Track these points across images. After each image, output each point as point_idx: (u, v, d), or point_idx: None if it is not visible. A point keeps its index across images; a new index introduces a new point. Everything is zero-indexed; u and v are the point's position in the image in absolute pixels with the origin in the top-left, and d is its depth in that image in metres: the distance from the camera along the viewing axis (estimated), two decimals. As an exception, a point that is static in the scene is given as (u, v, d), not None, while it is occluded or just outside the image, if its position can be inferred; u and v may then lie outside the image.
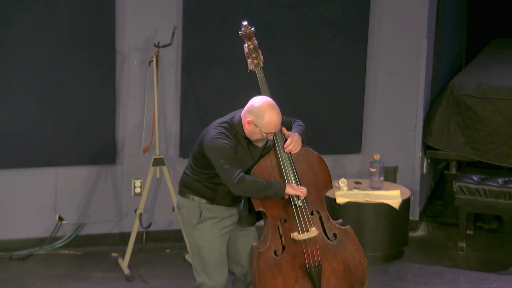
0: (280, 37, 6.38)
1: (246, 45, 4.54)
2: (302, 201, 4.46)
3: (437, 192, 7.59)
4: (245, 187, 4.32)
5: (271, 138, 4.41)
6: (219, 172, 4.34)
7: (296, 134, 4.50)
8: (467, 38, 9.07)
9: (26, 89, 6.02)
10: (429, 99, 7.02)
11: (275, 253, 4.48)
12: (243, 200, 4.54)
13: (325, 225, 4.57)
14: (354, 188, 6.33)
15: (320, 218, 4.56)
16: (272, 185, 4.37)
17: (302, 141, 4.52)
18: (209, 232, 4.50)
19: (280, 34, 6.38)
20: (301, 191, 4.41)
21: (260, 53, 4.54)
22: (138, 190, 6.39)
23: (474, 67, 7.67)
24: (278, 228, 4.49)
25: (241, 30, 4.54)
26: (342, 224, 4.64)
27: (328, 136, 6.61)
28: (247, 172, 4.43)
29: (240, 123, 4.38)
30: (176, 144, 6.43)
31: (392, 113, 6.78)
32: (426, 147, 6.97)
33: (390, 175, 6.74)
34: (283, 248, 4.49)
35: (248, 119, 4.33)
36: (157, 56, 5.94)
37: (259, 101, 4.34)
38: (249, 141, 4.42)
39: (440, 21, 7.02)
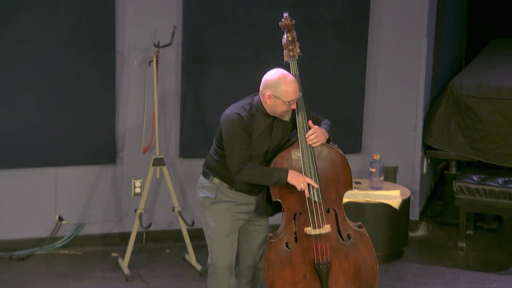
0: (280, 37, 6.36)
1: (285, 36, 4.58)
2: (318, 197, 4.47)
3: (437, 192, 7.59)
4: (244, 177, 4.35)
5: (294, 107, 4.39)
6: (225, 153, 4.37)
7: (322, 129, 4.50)
8: (467, 38, 9.06)
9: (26, 89, 6.02)
10: (429, 99, 7.02)
11: (287, 245, 4.50)
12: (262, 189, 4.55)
13: (340, 225, 4.57)
14: (354, 188, 6.32)
15: (336, 217, 4.56)
16: (273, 173, 4.38)
17: (329, 139, 4.53)
18: (220, 213, 4.52)
19: (280, 34, 6.36)
20: (301, 185, 4.39)
21: (298, 46, 4.57)
22: (138, 190, 6.39)
23: (474, 67, 7.67)
24: (293, 220, 4.50)
25: (281, 20, 4.56)
26: (359, 227, 4.64)
27: (328, 136, 6.60)
28: (265, 155, 4.44)
29: (259, 101, 4.39)
30: (176, 144, 6.43)
31: (392, 113, 6.78)
32: (426, 147, 6.97)
33: (390, 175, 6.74)
34: (296, 241, 4.50)
35: (267, 93, 4.34)
36: (157, 56, 5.94)
37: (272, 74, 4.38)
38: (273, 120, 4.42)
39: (440, 21, 7.02)
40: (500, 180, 6.41)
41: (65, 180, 6.25)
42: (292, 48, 4.56)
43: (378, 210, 6.11)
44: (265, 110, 4.39)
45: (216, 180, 4.52)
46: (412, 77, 6.74)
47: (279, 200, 4.48)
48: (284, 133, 4.51)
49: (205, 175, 4.58)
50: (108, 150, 6.28)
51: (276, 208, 4.57)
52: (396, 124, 6.80)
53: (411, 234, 6.67)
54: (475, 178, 6.48)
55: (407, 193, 6.31)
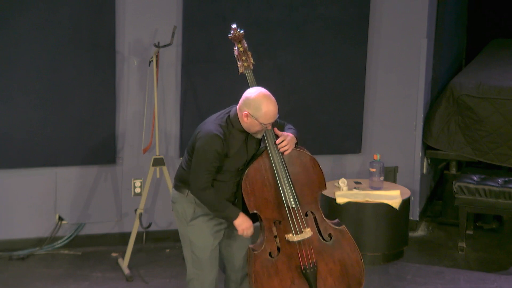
0: (280, 37, 6.38)
1: (236, 48, 4.54)
2: (295, 202, 4.46)
3: (437, 192, 7.59)
4: (202, 198, 4.39)
5: (269, 128, 4.40)
6: (192, 168, 4.36)
7: (290, 134, 4.51)
8: (467, 38, 9.06)
9: (26, 89, 6.02)
10: (429, 99, 7.02)
11: (270, 255, 4.49)
12: (237, 201, 4.54)
13: (320, 226, 4.57)
14: (354, 188, 6.33)
15: (315, 219, 4.56)
16: (226, 209, 4.41)
17: (296, 143, 4.53)
18: (203, 229, 4.50)
19: (280, 34, 6.38)
20: (244, 231, 4.44)
21: (250, 56, 4.54)
22: (138, 190, 6.39)
23: (474, 67, 7.67)
24: (273, 229, 4.50)
25: (230, 33, 4.54)
26: (338, 224, 4.64)
27: (328, 136, 6.61)
28: (242, 169, 4.44)
29: (236, 117, 4.37)
30: (176, 144, 6.43)
31: (392, 113, 6.79)
32: (426, 147, 6.97)
33: (390, 175, 6.74)
34: (279, 249, 4.50)
35: (245, 112, 4.32)
36: (157, 56, 5.94)
37: (254, 93, 4.34)
38: (246, 135, 4.42)
39: (440, 21, 7.02)
40: (500, 180, 6.41)
41: (65, 180, 6.25)
42: (246, 59, 4.53)
43: (378, 210, 6.11)
44: (241, 126, 4.38)
45: (191, 194, 4.49)
46: (412, 77, 6.74)
47: (256, 212, 4.47)
48: (257, 145, 4.52)
49: (179, 188, 4.54)
50: (108, 150, 6.28)
51: (253, 219, 4.55)
52: (396, 124, 6.80)
53: (411, 234, 6.67)
54: (475, 178, 6.48)
55: (407, 193, 6.31)
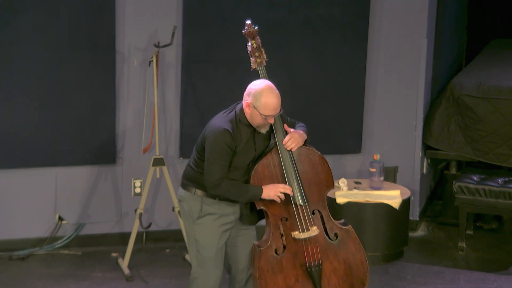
0: (280, 37, 6.38)
1: (250, 44, 4.55)
2: (303, 200, 4.46)
3: (437, 192, 7.59)
4: (220, 193, 4.35)
5: (271, 122, 4.38)
6: (205, 166, 4.35)
7: (298, 131, 4.50)
8: (467, 38, 9.07)
9: (26, 89, 6.02)
10: (429, 99, 7.02)
11: (276, 252, 4.49)
12: None
13: (326, 225, 4.57)
14: (354, 188, 6.34)
15: (321, 218, 4.56)
16: (249, 190, 4.37)
17: (306, 141, 4.52)
18: (209, 228, 4.49)
19: (280, 34, 6.38)
20: (277, 196, 4.38)
21: (264, 52, 4.55)
22: (138, 190, 6.39)
23: (474, 67, 7.67)
24: (279, 226, 4.49)
25: (244, 29, 4.55)
26: (344, 224, 4.64)
27: (329, 136, 6.61)
28: (249, 165, 4.43)
29: (242, 111, 4.38)
30: (176, 144, 6.43)
31: (392, 113, 6.79)
32: (426, 147, 6.97)
33: (390, 175, 6.74)
34: (284, 247, 4.50)
35: (247, 101, 4.32)
36: (157, 56, 5.94)
37: (258, 84, 4.35)
38: (253, 130, 4.41)
39: (440, 21, 7.02)
40: (500, 180, 6.42)
41: (65, 180, 6.25)
42: (259, 55, 4.54)
43: (378, 210, 6.11)
44: (247, 120, 4.38)
45: (199, 192, 4.48)
46: (412, 77, 6.74)
47: (263, 208, 4.46)
48: (265, 141, 4.51)
49: (186, 187, 4.53)
50: (108, 150, 6.28)
51: (260, 215, 4.56)
52: (396, 124, 6.80)
53: (411, 234, 6.68)
54: (475, 178, 6.48)
55: (407, 193, 6.31)
